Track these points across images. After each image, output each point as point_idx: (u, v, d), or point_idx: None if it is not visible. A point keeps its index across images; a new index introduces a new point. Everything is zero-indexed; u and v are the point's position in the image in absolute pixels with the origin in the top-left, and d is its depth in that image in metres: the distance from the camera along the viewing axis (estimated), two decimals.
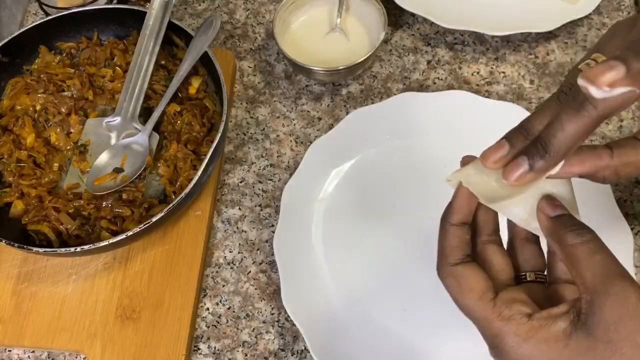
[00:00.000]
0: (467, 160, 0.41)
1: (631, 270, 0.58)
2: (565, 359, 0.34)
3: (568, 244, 0.35)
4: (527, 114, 0.63)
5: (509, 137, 0.39)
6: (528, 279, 0.40)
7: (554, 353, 0.34)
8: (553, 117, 0.36)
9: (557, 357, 0.34)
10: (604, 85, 0.32)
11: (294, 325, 0.59)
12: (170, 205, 0.56)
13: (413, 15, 0.75)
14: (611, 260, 0.34)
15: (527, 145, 0.37)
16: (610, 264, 0.34)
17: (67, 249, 0.55)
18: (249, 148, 0.69)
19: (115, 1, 0.76)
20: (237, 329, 0.60)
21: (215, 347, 0.59)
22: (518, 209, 0.39)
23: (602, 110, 0.34)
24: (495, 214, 0.41)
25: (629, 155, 0.40)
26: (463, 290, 0.38)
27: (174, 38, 0.68)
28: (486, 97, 0.68)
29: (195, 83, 0.66)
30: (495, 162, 0.38)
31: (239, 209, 0.66)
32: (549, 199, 0.38)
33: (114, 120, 0.64)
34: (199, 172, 0.57)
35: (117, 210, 0.60)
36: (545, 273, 0.41)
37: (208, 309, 0.61)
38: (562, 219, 0.37)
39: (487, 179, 0.39)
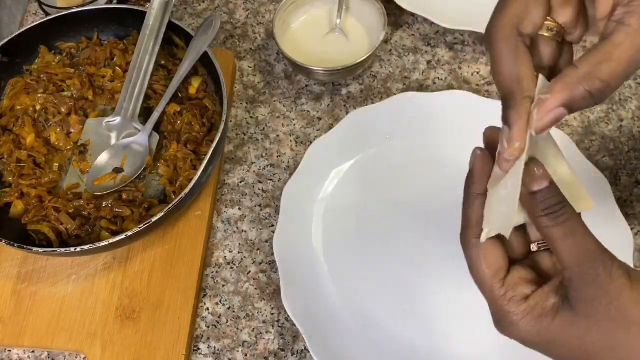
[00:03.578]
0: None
1: None
2: (553, 332, 0.36)
3: (542, 226, 0.36)
4: None
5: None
6: (534, 250, 0.41)
7: (544, 327, 0.36)
8: None
9: (547, 330, 0.36)
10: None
11: (294, 325, 0.59)
12: (170, 205, 0.56)
13: (413, 15, 0.75)
14: (583, 241, 0.35)
15: None
16: (582, 245, 0.35)
17: (67, 249, 0.55)
18: (249, 148, 0.69)
19: (115, 1, 0.76)
20: (237, 329, 0.60)
21: (215, 347, 0.59)
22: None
23: None
24: None
25: (593, 55, 0.36)
26: (481, 265, 0.39)
27: (174, 38, 0.68)
28: (486, 97, 0.68)
29: (195, 83, 0.66)
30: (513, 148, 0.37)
31: (239, 209, 0.66)
32: (535, 165, 0.36)
33: (114, 120, 0.64)
34: (199, 172, 0.57)
35: (117, 210, 0.60)
36: None
37: (208, 309, 0.61)
38: (539, 196, 0.36)
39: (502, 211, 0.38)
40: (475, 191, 0.39)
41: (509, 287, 0.38)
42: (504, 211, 0.37)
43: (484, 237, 0.38)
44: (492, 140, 0.41)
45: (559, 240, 0.36)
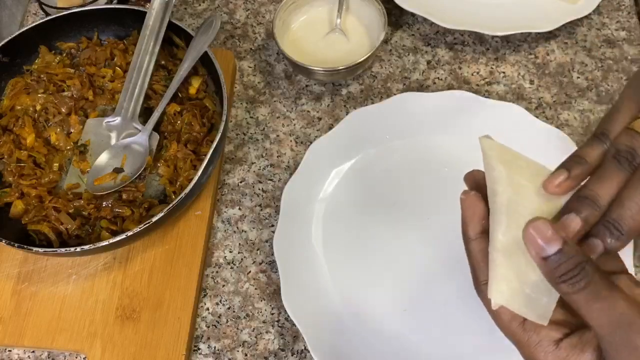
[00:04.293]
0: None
1: (631, 270, 0.58)
2: None
3: (564, 292, 0.33)
4: (526, 113, 0.64)
5: (576, 208, 0.35)
6: None
7: None
8: (620, 189, 0.34)
9: None
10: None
11: (294, 325, 0.59)
12: (170, 205, 0.56)
13: (413, 15, 0.75)
14: (610, 304, 0.32)
15: (598, 223, 0.34)
16: (611, 310, 0.32)
17: (67, 249, 0.55)
18: (249, 148, 0.69)
19: (115, 1, 0.76)
20: (237, 329, 0.60)
21: (215, 347, 0.59)
22: None
23: None
24: None
25: None
26: (494, 312, 0.36)
27: (174, 38, 0.68)
28: (486, 97, 0.68)
29: (195, 83, 0.66)
30: (575, 231, 0.34)
31: (239, 209, 0.66)
32: (539, 224, 0.33)
33: (114, 120, 0.64)
34: (199, 172, 0.57)
35: (117, 210, 0.60)
36: None
37: (208, 309, 0.61)
38: (552, 261, 0.33)
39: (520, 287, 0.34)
40: (468, 236, 0.38)
41: (530, 331, 0.35)
42: (535, 298, 0.34)
43: (495, 306, 0.35)
44: (475, 181, 0.40)
45: (583, 306, 0.32)
